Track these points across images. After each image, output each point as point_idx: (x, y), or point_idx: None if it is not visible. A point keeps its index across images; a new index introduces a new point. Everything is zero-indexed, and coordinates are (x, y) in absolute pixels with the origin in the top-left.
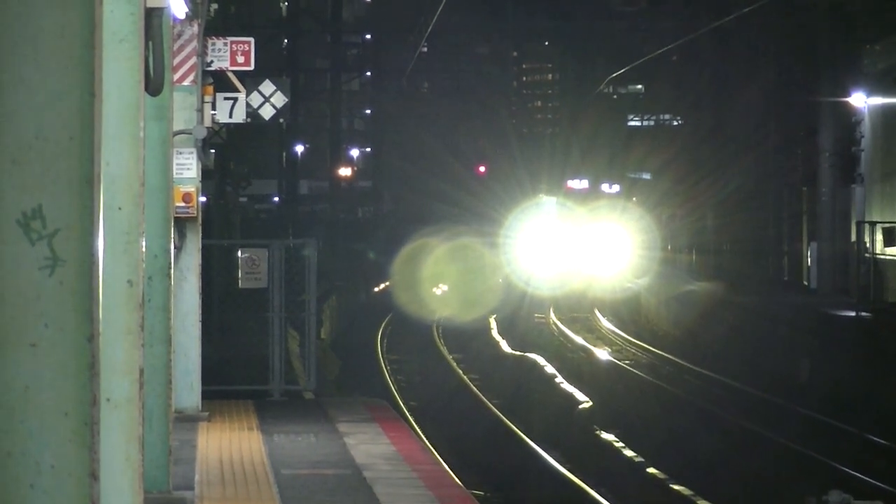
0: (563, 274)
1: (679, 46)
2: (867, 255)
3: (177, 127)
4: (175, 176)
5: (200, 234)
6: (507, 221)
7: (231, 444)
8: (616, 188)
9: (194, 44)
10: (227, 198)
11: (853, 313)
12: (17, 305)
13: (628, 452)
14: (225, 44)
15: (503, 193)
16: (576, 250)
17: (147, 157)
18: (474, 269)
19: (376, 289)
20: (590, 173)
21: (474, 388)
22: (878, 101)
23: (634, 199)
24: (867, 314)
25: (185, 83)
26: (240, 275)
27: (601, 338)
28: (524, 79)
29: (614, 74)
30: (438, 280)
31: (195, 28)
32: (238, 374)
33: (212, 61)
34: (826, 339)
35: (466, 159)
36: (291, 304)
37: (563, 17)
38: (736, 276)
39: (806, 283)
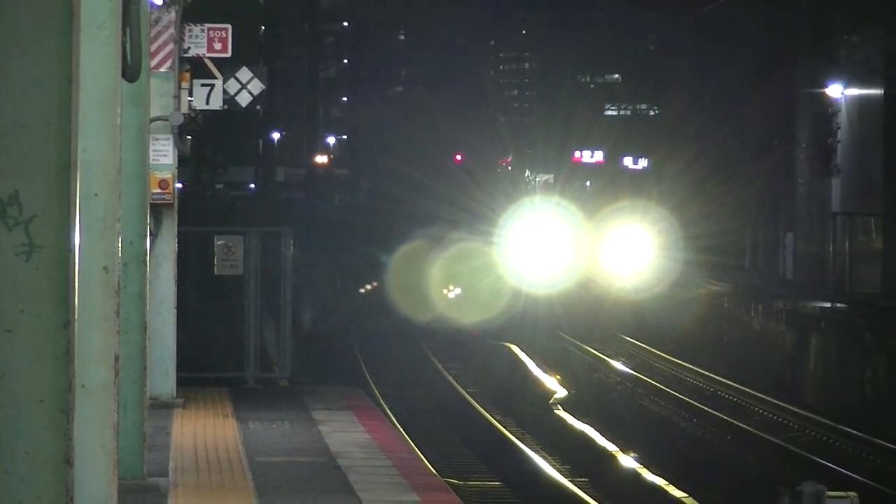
0: (564, 270)
1: (657, 37)
2: (840, 245)
3: (153, 113)
4: (151, 162)
5: (176, 221)
6: (498, 214)
7: (206, 431)
8: (644, 163)
9: (171, 30)
10: (203, 185)
11: (828, 304)
12: None
13: (601, 441)
14: (202, 30)
15: (489, 183)
16: (582, 242)
17: (124, 143)
18: (483, 273)
19: (362, 290)
20: (607, 143)
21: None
22: (855, 92)
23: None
24: (842, 305)
25: (163, 70)
26: (216, 262)
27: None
28: (501, 67)
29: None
30: (447, 282)
31: (172, 14)
32: (213, 361)
33: (189, 48)
34: (798, 330)
35: (444, 147)
36: (267, 291)
37: (540, 7)
38: (725, 271)
39: (782, 274)
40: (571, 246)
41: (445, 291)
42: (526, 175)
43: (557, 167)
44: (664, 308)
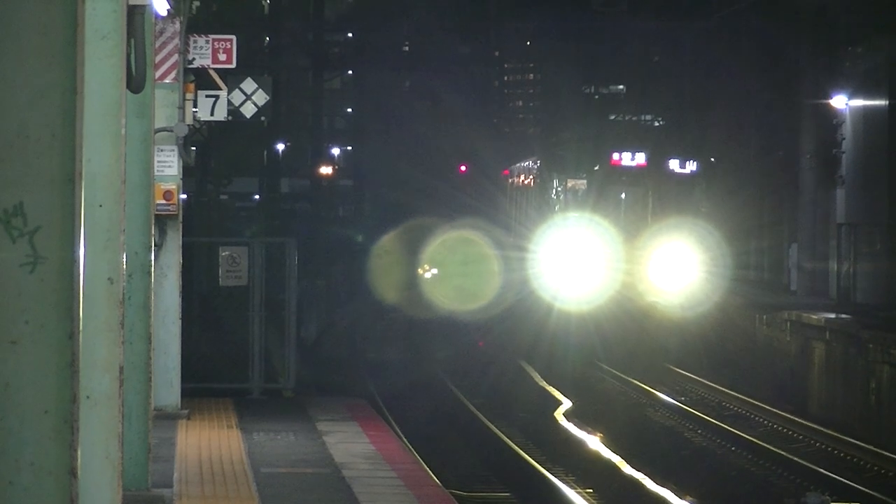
0: (599, 286)
1: (661, 47)
2: (844, 256)
3: (158, 124)
4: (156, 173)
5: (181, 232)
6: (525, 224)
7: (210, 442)
8: (693, 167)
9: (176, 41)
10: (208, 195)
11: (833, 315)
12: None
13: (606, 452)
14: (207, 41)
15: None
16: (619, 255)
17: (128, 154)
18: (469, 260)
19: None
20: (649, 143)
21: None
22: (860, 103)
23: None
24: (847, 316)
25: (167, 80)
26: (220, 273)
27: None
28: (506, 78)
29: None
30: (426, 264)
31: (177, 25)
32: (218, 371)
33: (194, 59)
34: (802, 340)
35: (448, 159)
36: (272, 302)
37: (544, 17)
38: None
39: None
40: (607, 259)
41: (421, 271)
42: (554, 181)
43: (591, 171)
44: (713, 329)
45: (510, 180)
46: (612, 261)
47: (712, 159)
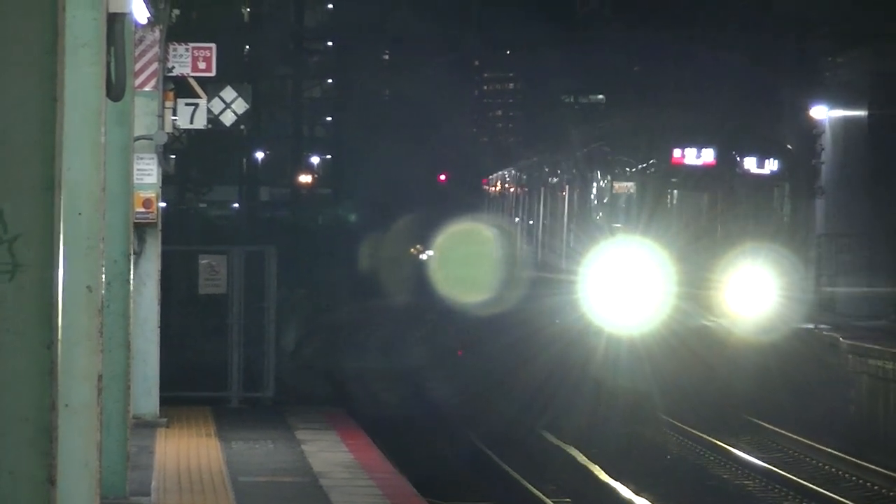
0: (653, 310)
1: (642, 57)
2: (823, 266)
3: (137, 132)
4: (135, 182)
5: (160, 240)
6: (556, 238)
7: (189, 450)
8: (774, 166)
9: (156, 49)
10: (187, 204)
11: (812, 325)
12: None
13: (583, 460)
14: (187, 49)
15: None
16: (680, 276)
17: (108, 162)
18: (470, 249)
19: None
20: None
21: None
22: (840, 113)
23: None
24: (825, 326)
25: (147, 89)
26: (199, 281)
27: None
28: (485, 88)
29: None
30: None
31: (157, 33)
32: (197, 380)
33: (173, 67)
34: (781, 351)
35: (429, 167)
36: (251, 310)
37: (525, 27)
38: None
39: None
40: (665, 280)
41: (413, 251)
42: (597, 183)
43: (646, 170)
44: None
45: (515, 185)
46: (670, 282)
47: (789, 146)
